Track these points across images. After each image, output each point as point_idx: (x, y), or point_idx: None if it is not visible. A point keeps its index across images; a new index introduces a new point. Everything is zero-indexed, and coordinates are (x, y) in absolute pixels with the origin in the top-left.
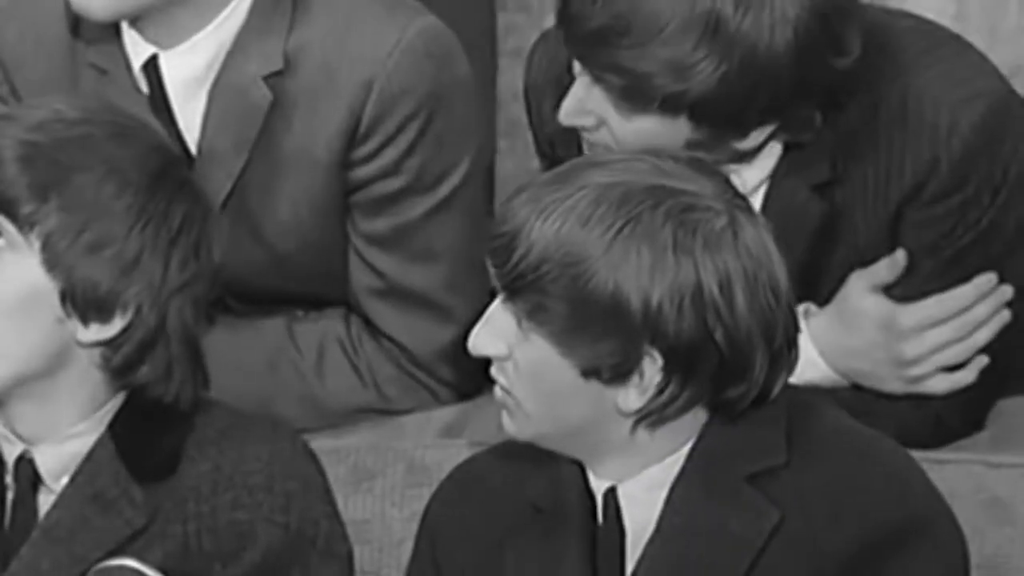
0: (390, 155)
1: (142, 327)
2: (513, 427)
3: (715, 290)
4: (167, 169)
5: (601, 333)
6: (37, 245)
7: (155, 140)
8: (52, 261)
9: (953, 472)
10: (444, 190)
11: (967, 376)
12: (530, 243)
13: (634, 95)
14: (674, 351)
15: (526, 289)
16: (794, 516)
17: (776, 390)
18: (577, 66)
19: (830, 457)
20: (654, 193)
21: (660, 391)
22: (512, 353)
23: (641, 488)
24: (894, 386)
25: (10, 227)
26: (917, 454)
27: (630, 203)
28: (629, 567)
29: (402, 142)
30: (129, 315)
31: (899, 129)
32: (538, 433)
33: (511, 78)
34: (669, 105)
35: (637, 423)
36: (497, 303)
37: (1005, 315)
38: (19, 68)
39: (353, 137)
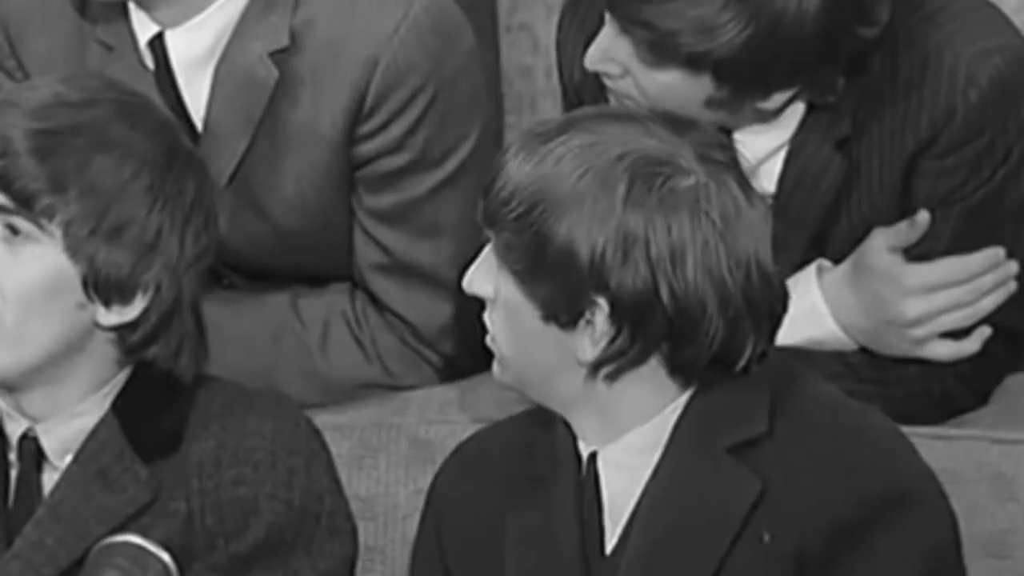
0: (395, 131)
1: (161, 305)
2: (497, 371)
3: (663, 248)
4: (176, 145)
5: (553, 276)
6: (58, 234)
7: (160, 116)
8: (74, 248)
9: (957, 448)
10: (450, 166)
11: (970, 346)
12: (506, 179)
13: (659, 50)
14: (619, 301)
15: (498, 225)
16: (778, 486)
17: (743, 360)
18: (607, 14)
19: (815, 428)
20: (627, 145)
21: (611, 341)
22: (497, 294)
23: (620, 454)
24: (896, 347)
25: (26, 222)
26: (921, 430)
27: (597, 151)
28: (608, 531)
29: (407, 118)
30: (149, 295)
31: (917, 81)
32: (515, 379)
33: (518, 53)
34: (693, 63)
35: (593, 373)
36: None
37: (1011, 286)
38: (26, 42)
39: (358, 113)
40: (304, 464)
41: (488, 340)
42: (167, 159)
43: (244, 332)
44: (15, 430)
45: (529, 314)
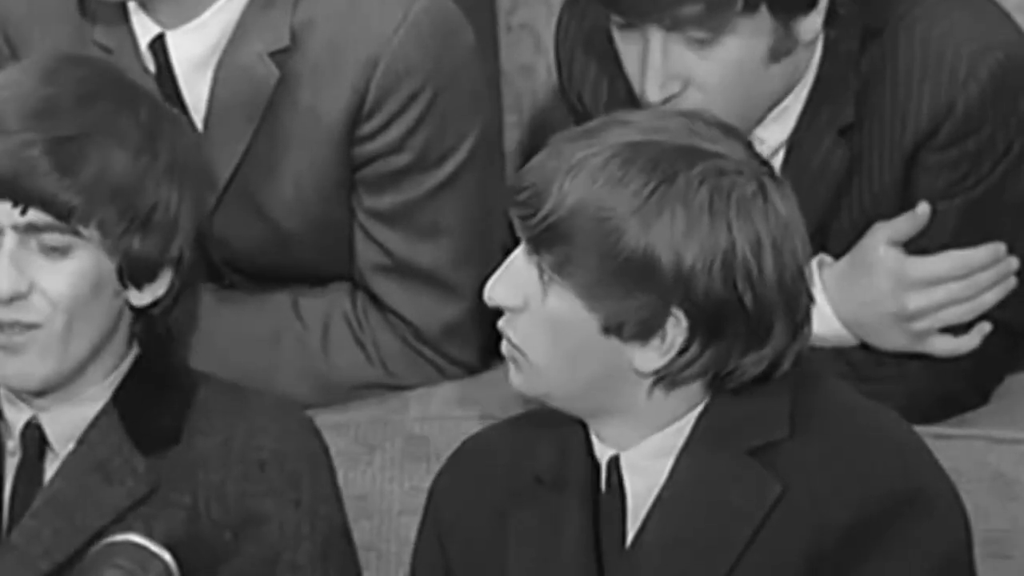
0: (395, 132)
1: (183, 273)
2: (521, 382)
3: (747, 253)
4: (167, 114)
5: (630, 289)
6: (95, 236)
7: (137, 86)
8: (111, 246)
9: (958, 448)
10: (450, 167)
11: (970, 341)
12: (561, 196)
13: (717, 7)
14: (701, 312)
15: (555, 241)
16: (796, 489)
17: (787, 364)
18: (634, 49)
19: (833, 430)
20: (687, 154)
21: (681, 352)
22: (528, 305)
23: (644, 457)
24: (896, 341)
25: (65, 236)
26: (922, 429)
27: (664, 163)
28: (630, 535)
29: (407, 119)
30: (173, 267)
31: (917, 74)
32: (546, 390)
33: (519, 52)
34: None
35: (654, 384)
36: (518, 254)
37: (1011, 282)
38: (26, 44)
39: (358, 114)
40: (309, 467)
41: (508, 350)
42: (170, 133)
43: (245, 332)
44: (18, 417)
45: (586, 326)
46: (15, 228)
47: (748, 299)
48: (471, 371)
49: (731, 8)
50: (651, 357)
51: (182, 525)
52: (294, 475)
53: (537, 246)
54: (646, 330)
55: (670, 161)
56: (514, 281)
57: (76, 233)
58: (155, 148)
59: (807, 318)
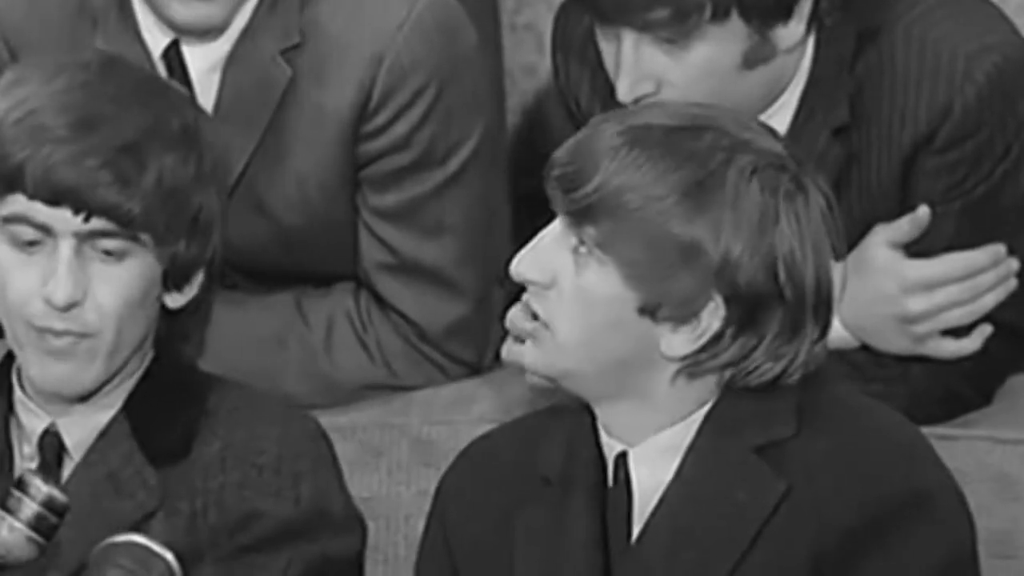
0: (401, 128)
1: (214, 272)
2: (541, 360)
3: (794, 246)
4: (200, 111)
5: (675, 270)
6: (149, 241)
7: (176, 87)
8: (162, 252)
9: (961, 448)
10: (454, 164)
11: (972, 344)
12: (608, 174)
13: (684, 19)
14: (740, 301)
15: (600, 216)
16: (801, 487)
17: (800, 367)
18: (610, 47)
19: (838, 429)
20: (737, 145)
21: (714, 340)
22: (556, 281)
23: (651, 453)
24: (898, 344)
25: (123, 241)
26: (925, 430)
27: (715, 152)
28: (636, 530)
29: (412, 116)
30: (207, 267)
31: (914, 76)
32: (566, 369)
33: (522, 53)
34: (719, 8)
35: (677, 372)
36: (552, 229)
37: (1011, 284)
38: (28, 51)
39: (363, 111)
40: (310, 467)
41: (532, 327)
42: (205, 131)
43: (248, 333)
44: (36, 424)
45: (621, 304)
46: (76, 235)
47: (789, 292)
48: (474, 371)
49: (699, 14)
50: (681, 342)
51: (182, 532)
52: (292, 479)
53: (580, 219)
54: (683, 314)
55: (720, 150)
56: (544, 256)
57: (135, 239)
58: (199, 149)
59: (829, 322)
